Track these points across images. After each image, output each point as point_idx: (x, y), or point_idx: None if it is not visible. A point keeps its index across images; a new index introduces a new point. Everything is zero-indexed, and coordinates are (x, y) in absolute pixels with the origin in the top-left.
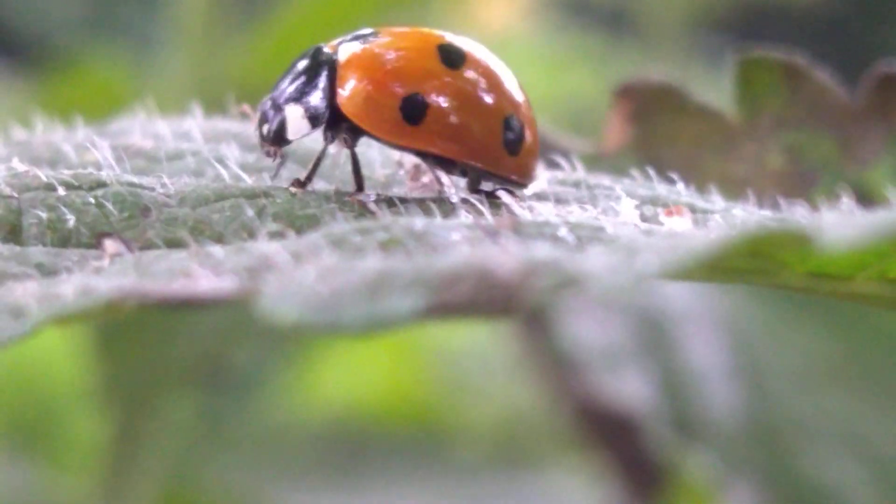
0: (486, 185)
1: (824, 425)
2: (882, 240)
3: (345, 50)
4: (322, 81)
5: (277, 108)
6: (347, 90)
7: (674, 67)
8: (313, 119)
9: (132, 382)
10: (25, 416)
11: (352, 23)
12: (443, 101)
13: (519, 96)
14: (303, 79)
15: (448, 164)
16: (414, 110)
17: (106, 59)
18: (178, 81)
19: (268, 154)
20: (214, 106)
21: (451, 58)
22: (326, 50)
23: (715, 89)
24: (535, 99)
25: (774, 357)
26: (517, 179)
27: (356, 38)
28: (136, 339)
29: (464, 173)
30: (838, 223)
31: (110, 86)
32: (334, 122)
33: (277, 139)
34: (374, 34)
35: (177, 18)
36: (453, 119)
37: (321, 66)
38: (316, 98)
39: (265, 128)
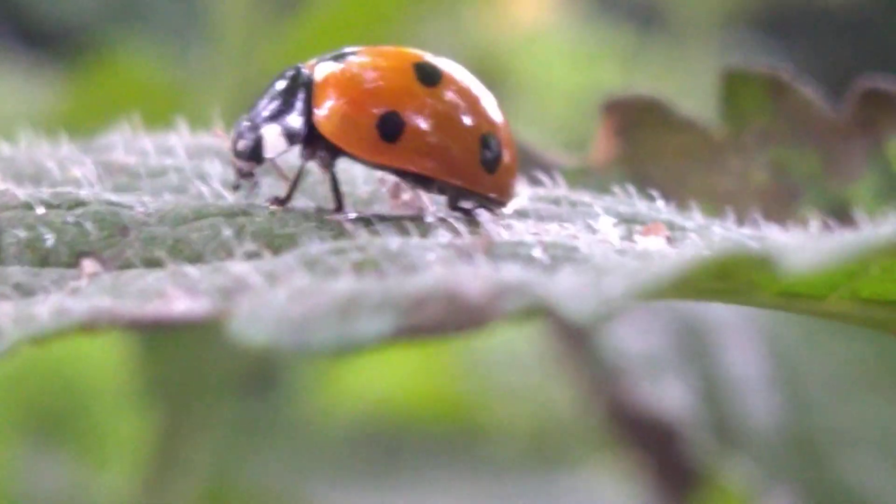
0: (466, 203)
1: (862, 432)
2: (844, 262)
3: (321, 69)
4: (299, 100)
5: (255, 126)
6: (324, 109)
7: (704, 62)
8: (290, 137)
9: (173, 381)
10: (61, 411)
11: (385, 16)
12: (419, 119)
13: (497, 115)
14: (280, 98)
15: (426, 182)
16: (391, 128)
17: (138, 53)
18: (217, 77)
19: (240, 172)
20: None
21: (428, 76)
22: (304, 69)
23: None
24: (564, 92)
25: (812, 364)
26: (496, 197)
27: (334, 57)
28: (176, 339)
29: (442, 191)
30: (801, 246)
31: (144, 81)
32: (312, 141)
33: (254, 156)
34: (353, 53)
35: (215, 12)
36: (430, 137)
37: (298, 85)
38: (293, 117)
39: (241, 144)
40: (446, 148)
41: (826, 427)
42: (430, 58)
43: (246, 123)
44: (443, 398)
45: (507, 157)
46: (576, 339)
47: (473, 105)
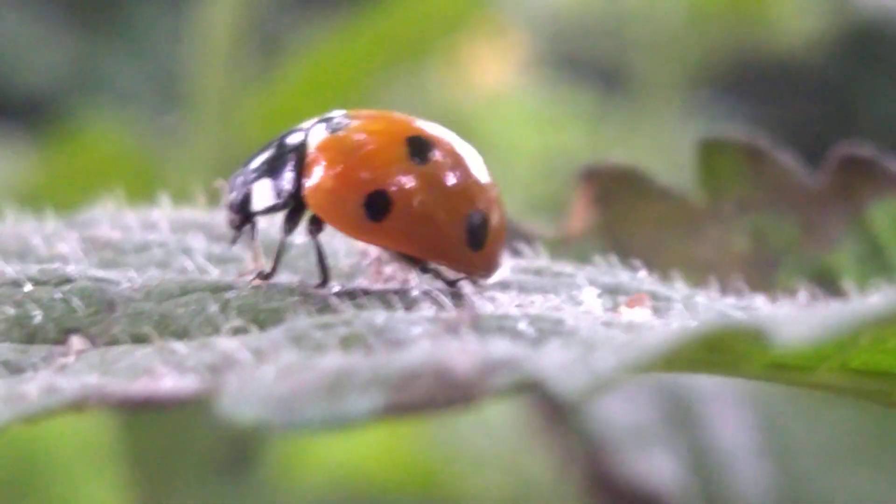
0: (449, 275)
1: (853, 503)
2: (839, 334)
3: (315, 136)
4: (290, 168)
5: (245, 182)
6: (313, 182)
7: (668, 124)
8: (278, 195)
9: (148, 453)
10: (26, 481)
11: (354, 80)
12: (406, 201)
13: (486, 189)
14: (272, 162)
15: (410, 258)
16: (377, 208)
17: (110, 122)
18: (193, 142)
19: (232, 224)
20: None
21: (419, 151)
22: (299, 133)
23: None
24: (527, 155)
25: (801, 434)
26: (480, 272)
27: (329, 125)
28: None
29: (426, 266)
30: (794, 319)
31: (117, 150)
32: (299, 211)
33: (242, 210)
34: (348, 120)
35: (191, 80)
36: (416, 218)
37: (292, 151)
38: (282, 184)
39: (232, 196)
40: (432, 231)
41: (817, 498)
42: (423, 128)
43: (238, 178)
44: (413, 465)
45: (494, 230)
46: (558, 409)
47: (463, 181)
